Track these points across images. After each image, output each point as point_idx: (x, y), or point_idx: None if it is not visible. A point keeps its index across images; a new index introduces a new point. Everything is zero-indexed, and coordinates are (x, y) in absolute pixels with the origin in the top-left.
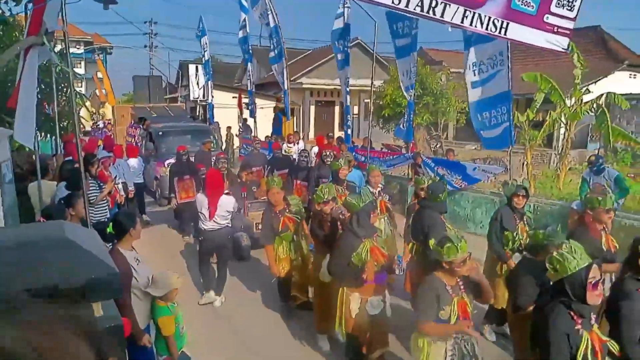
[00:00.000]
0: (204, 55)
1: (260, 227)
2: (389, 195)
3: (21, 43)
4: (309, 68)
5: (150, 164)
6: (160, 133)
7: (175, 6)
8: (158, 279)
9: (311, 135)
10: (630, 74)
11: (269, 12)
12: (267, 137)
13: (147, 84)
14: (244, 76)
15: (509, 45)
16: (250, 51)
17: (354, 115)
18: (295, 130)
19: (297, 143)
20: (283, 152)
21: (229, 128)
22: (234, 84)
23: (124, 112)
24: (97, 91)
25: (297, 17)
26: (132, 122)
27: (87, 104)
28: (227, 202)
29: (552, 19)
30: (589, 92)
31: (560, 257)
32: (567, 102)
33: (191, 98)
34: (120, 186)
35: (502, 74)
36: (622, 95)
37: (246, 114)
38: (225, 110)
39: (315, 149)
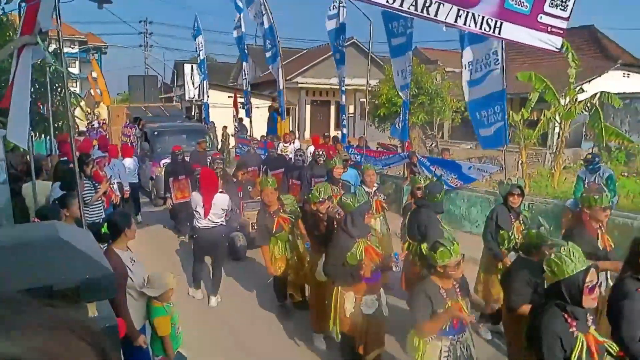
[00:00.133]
0: (199, 55)
1: (255, 227)
2: (384, 195)
3: (14, 42)
4: (305, 67)
5: (146, 164)
6: (156, 133)
7: (170, 5)
8: (154, 279)
9: (307, 134)
10: (624, 73)
11: (263, 12)
12: (262, 136)
13: (143, 84)
14: (239, 76)
15: (503, 45)
16: (246, 51)
17: (350, 115)
18: (290, 129)
19: (293, 142)
20: (279, 152)
21: (224, 128)
22: (229, 84)
23: (119, 112)
24: (91, 91)
25: (293, 16)
26: (127, 122)
27: (82, 103)
28: (221, 201)
29: (545, 19)
30: (583, 91)
31: (557, 260)
32: (562, 101)
33: (186, 98)
34: (115, 186)
35: (496, 73)
36: (616, 94)
37: (242, 113)
38: (221, 109)
39: (311, 149)
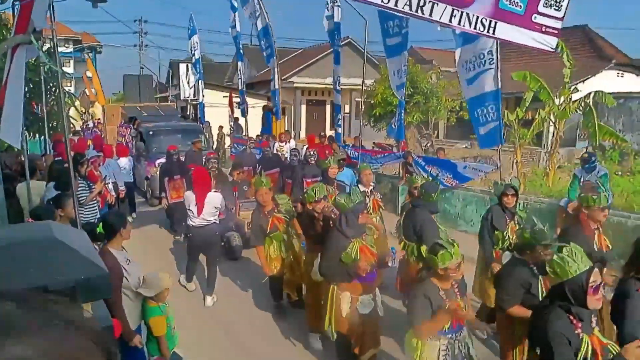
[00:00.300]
0: (194, 54)
1: (251, 226)
2: (380, 194)
3: (8, 41)
4: (300, 67)
5: (141, 163)
6: (151, 132)
7: (166, 5)
8: (149, 279)
9: (302, 134)
10: (618, 73)
11: (258, 12)
12: (257, 136)
13: (138, 83)
14: (235, 75)
15: (497, 44)
16: (242, 50)
17: (345, 114)
18: (286, 129)
19: (289, 142)
20: (274, 151)
21: (220, 127)
22: (224, 83)
23: (114, 111)
24: (86, 90)
25: (289, 16)
26: (123, 121)
27: (77, 103)
28: (214, 199)
29: (540, 19)
30: (578, 90)
31: (560, 261)
32: (556, 100)
33: (182, 97)
34: (110, 186)
35: (490, 73)
36: (610, 93)
37: (237, 113)
38: (216, 109)
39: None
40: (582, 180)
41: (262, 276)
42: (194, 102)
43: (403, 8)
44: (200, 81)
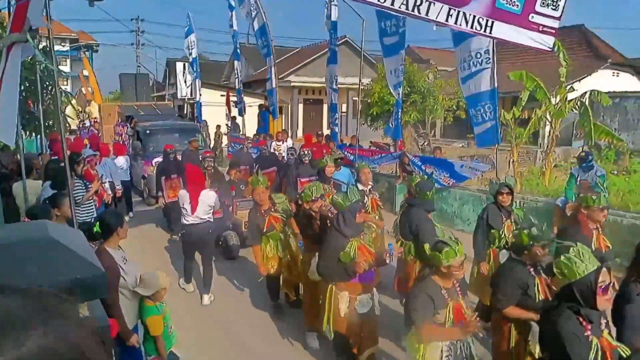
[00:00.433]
0: (190, 53)
1: (248, 226)
2: (377, 193)
3: (4, 40)
4: (298, 66)
5: (138, 162)
6: (148, 132)
7: (164, 4)
8: (146, 279)
9: (299, 133)
10: (614, 72)
11: (254, 12)
12: (254, 135)
13: (134, 82)
14: (232, 74)
15: (494, 44)
16: (239, 50)
17: (342, 113)
18: (283, 128)
19: (286, 141)
20: (271, 150)
21: (218, 127)
22: (221, 82)
23: (111, 110)
24: (83, 89)
25: (286, 15)
26: (119, 120)
27: (73, 102)
28: (208, 197)
29: (537, 18)
30: (574, 90)
31: (568, 261)
32: (552, 100)
33: (179, 96)
34: (107, 185)
35: (487, 72)
36: (606, 93)
37: (234, 112)
38: (213, 108)
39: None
40: (578, 179)
41: (259, 275)
42: (191, 101)
43: (399, 7)
44: (197, 80)
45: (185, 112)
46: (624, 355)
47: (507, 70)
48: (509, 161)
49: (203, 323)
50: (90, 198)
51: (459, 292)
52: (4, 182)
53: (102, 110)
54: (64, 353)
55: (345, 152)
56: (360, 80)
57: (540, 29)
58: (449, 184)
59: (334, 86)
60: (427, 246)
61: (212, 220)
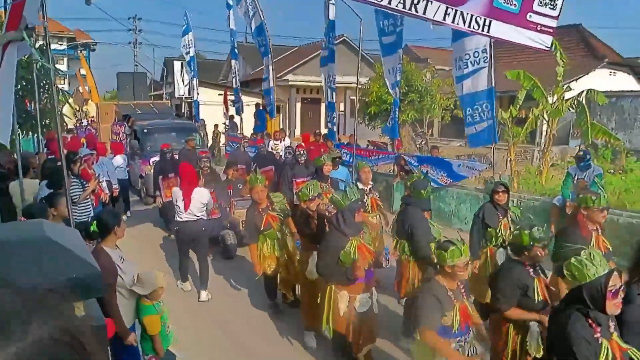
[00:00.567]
0: (188, 52)
1: (245, 224)
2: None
3: (0, 38)
4: (296, 65)
5: (135, 162)
6: (145, 131)
7: (161, 2)
8: (143, 278)
9: (297, 132)
10: (610, 72)
11: (251, 11)
12: (252, 134)
13: (132, 81)
14: (229, 73)
15: (491, 43)
16: (236, 49)
17: (340, 112)
18: (280, 127)
19: (283, 140)
20: (269, 149)
21: (216, 126)
22: (219, 81)
23: (108, 109)
24: (80, 88)
25: (284, 14)
26: (116, 119)
27: (70, 101)
28: (201, 194)
29: (535, 18)
30: (571, 89)
31: (578, 264)
32: (549, 99)
33: (176, 95)
34: (104, 184)
35: (484, 71)
36: (603, 92)
37: (232, 111)
38: (211, 107)
39: (303, 146)
40: (576, 178)
41: (257, 274)
42: (189, 100)
43: (397, 6)
44: (195, 79)
45: (182, 111)
46: (636, 359)
47: (504, 69)
48: (506, 160)
49: (201, 322)
50: (88, 197)
51: (464, 293)
52: (0, 181)
53: (99, 109)
54: (64, 344)
55: (343, 151)
56: (358, 79)
57: (538, 28)
58: (446, 183)
59: (332, 85)
60: (433, 245)
61: (205, 218)
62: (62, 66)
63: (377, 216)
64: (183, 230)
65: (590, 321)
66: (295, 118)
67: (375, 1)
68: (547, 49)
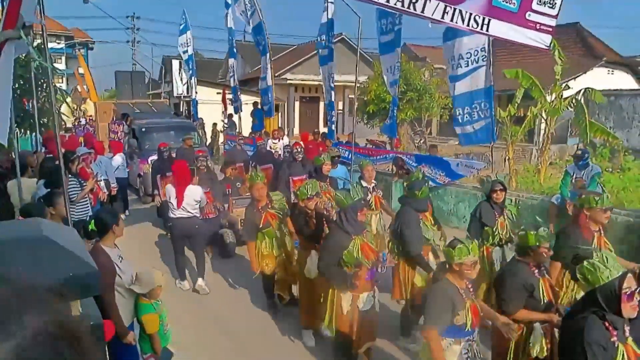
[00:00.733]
0: (186, 51)
1: (243, 221)
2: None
3: None
4: (294, 64)
5: (134, 160)
6: (143, 129)
7: (158, 0)
8: (142, 277)
9: (296, 131)
10: (609, 70)
11: (250, 10)
12: (250, 133)
13: (130, 80)
14: (228, 72)
15: (490, 42)
16: (235, 48)
17: (339, 111)
18: (279, 126)
19: (282, 139)
20: (268, 148)
21: (214, 125)
22: (218, 80)
23: (106, 108)
24: (78, 87)
25: (283, 12)
26: (115, 118)
27: (68, 100)
28: (194, 192)
29: (534, 16)
30: (569, 88)
31: (591, 267)
32: (548, 97)
33: (175, 94)
34: (102, 183)
35: (483, 70)
36: (601, 91)
37: (231, 109)
38: (210, 106)
39: (301, 144)
40: (574, 177)
41: (255, 273)
42: (187, 99)
43: (395, 4)
44: (193, 78)
45: (181, 110)
46: None
47: (502, 68)
48: (505, 159)
49: (199, 321)
50: (86, 196)
51: (472, 292)
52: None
53: (97, 108)
54: (60, 339)
55: (342, 150)
56: (356, 78)
57: (537, 27)
58: (444, 182)
59: (331, 84)
60: (442, 243)
61: (199, 215)
62: (60, 65)
63: (380, 214)
64: (176, 227)
65: (607, 324)
66: (293, 117)
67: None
68: (546, 47)
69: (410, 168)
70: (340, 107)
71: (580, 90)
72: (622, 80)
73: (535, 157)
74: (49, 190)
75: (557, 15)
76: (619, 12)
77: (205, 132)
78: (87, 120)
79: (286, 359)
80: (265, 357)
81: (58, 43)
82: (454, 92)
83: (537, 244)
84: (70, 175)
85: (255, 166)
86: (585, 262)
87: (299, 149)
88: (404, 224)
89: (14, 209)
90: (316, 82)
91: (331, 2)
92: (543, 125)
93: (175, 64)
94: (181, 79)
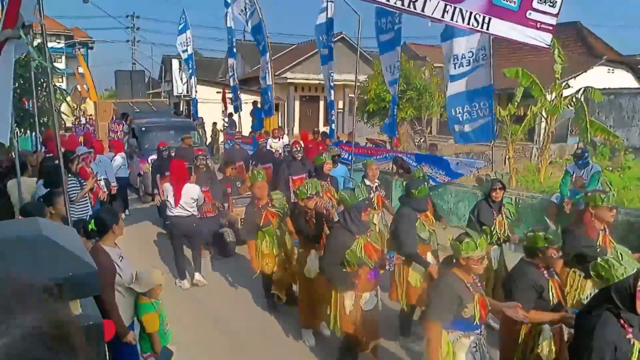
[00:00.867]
0: (186, 50)
1: (244, 220)
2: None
3: None
4: (294, 63)
5: (134, 160)
6: (143, 129)
7: (159, 1)
8: (142, 276)
9: (296, 130)
10: (609, 69)
11: (249, 11)
12: (250, 132)
13: (130, 79)
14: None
15: (490, 40)
16: (234, 48)
17: (339, 110)
18: (279, 125)
19: (282, 138)
20: (268, 147)
21: (214, 124)
22: (217, 79)
23: (106, 107)
24: (78, 86)
25: (282, 11)
26: (114, 118)
27: (68, 99)
28: (191, 190)
29: (534, 15)
30: (569, 86)
31: (605, 264)
32: (548, 96)
33: (175, 93)
34: (102, 183)
35: (483, 69)
36: (601, 89)
37: (231, 109)
38: (210, 105)
39: (301, 142)
40: (574, 176)
41: (255, 272)
42: (187, 98)
43: (395, 3)
44: (193, 77)
45: (181, 109)
46: None
47: (501, 67)
48: (505, 158)
49: (199, 321)
50: (86, 196)
51: (479, 286)
52: None
53: (97, 108)
54: (51, 338)
55: (342, 150)
56: (356, 77)
57: (538, 26)
58: (444, 181)
59: (331, 83)
60: (450, 237)
61: (196, 214)
62: (60, 64)
63: (382, 213)
64: (174, 225)
65: (622, 322)
66: (293, 116)
67: None
68: (546, 46)
69: (411, 166)
70: (340, 106)
71: (580, 89)
72: (622, 79)
73: (536, 156)
74: (48, 189)
75: (558, 14)
76: (619, 12)
77: (205, 131)
78: (87, 120)
79: (286, 359)
80: (265, 357)
81: (58, 42)
82: (449, 92)
83: (546, 245)
84: (70, 175)
85: (256, 165)
86: (599, 259)
87: (299, 148)
88: (399, 223)
89: (14, 208)
90: (316, 81)
91: (331, 1)
92: (543, 124)
93: (175, 63)
94: (181, 79)
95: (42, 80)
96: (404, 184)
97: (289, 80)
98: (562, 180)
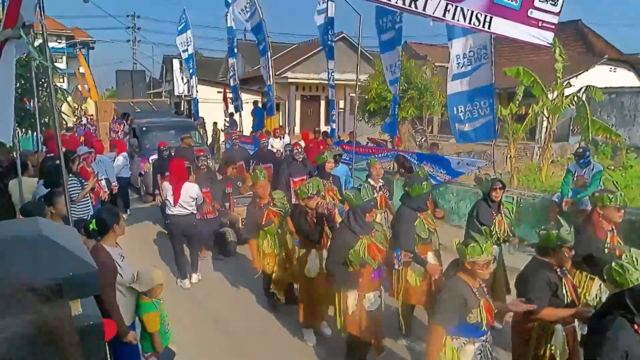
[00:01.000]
0: (186, 50)
1: (245, 219)
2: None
3: None
4: (295, 62)
5: (134, 160)
6: (144, 129)
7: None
8: (143, 275)
9: (297, 129)
10: (610, 68)
11: (249, 10)
12: (251, 132)
13: (130, 79)
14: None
15: (492, 39)
16: (235, 48)
17: (340, 110)
18: (280, 125)
19: (283, 138)
20: (269, 147)
21: (215, 124)
22: (218, 79)
23: (107, 107)
24: (79, 86)
25: (282, 11)
26: (115, 117)
27: (69, 99)
28: (190, 189)
29: (536, 14)
30: (570, 85)
31: (619, 269)
32: (549, 95)
33: (175, 93)
34: (103, 182)
35: (484, 67)
36: (602, 88)
37: (231, 108)
38: (211, 105)
39: (301, 144)
40: (575, 175)
41: (257, 272)
42: (188, 98)
43: (396, 2)
44: (194, 77)
45: (182, 109)
46: None
47: (503, 66)
48: (506, 157)
49: (200, 321)
50: (87, 195)
51: (485, 291)
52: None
53: (98, 108)
54: (39, 339)
55: (343, 149)
56: (357, 77)
57: (540, 25)
58: (445, 180)
59: (331, 82)
60: (456, 240)
61: (195, 213)
62: (61, 64)
63: (385, 213)
64: (174, 224)
65: (636, 327)
66: (294, 115)
67: None
68: (548, 45)
69: (412, 165)
70: (341, 105)
71: (581, 88)
72: (624, 78)
73: (537, 155)
74: (49, 189)
75: (560, 12)
76: (620, 11)
77: (206, 131)
78: (88, 120)
79: (286, 358)
80: (265, 357)
81: (59, 42)
82: (450, 91)
83: (559, 244)
84: (70, 175)
85: (257, 164)
86: (613, 264)
87: (299, 150)
88: (398, 223)
89: (15, 208)
90: (317, 81)
91: (331, 1)
92: (544, 123)
93: (176, 63)
94: (182, 78)
95: (43, 80)
96: (404, 184)
97: (289, 80)
98: (564, 179)
